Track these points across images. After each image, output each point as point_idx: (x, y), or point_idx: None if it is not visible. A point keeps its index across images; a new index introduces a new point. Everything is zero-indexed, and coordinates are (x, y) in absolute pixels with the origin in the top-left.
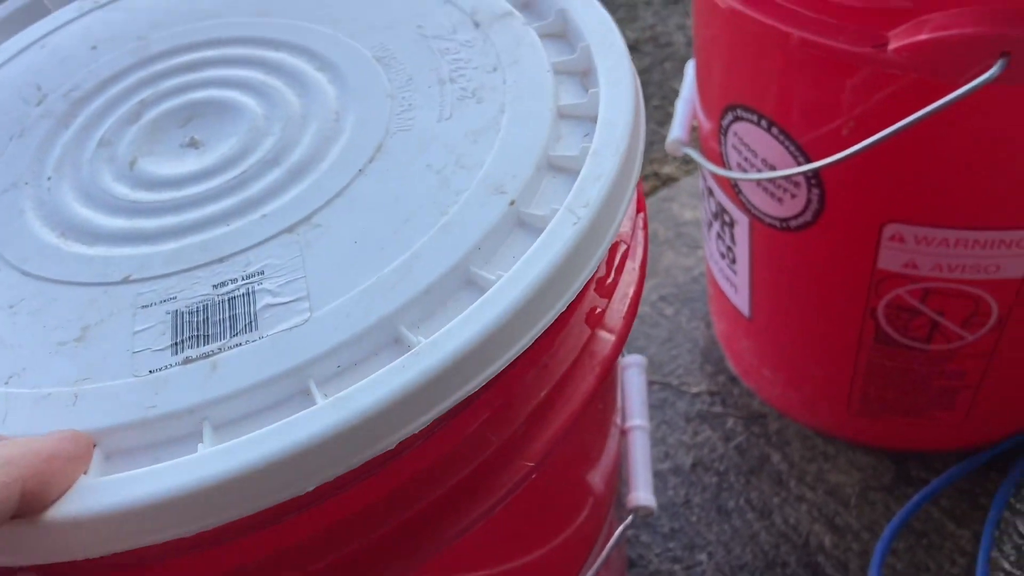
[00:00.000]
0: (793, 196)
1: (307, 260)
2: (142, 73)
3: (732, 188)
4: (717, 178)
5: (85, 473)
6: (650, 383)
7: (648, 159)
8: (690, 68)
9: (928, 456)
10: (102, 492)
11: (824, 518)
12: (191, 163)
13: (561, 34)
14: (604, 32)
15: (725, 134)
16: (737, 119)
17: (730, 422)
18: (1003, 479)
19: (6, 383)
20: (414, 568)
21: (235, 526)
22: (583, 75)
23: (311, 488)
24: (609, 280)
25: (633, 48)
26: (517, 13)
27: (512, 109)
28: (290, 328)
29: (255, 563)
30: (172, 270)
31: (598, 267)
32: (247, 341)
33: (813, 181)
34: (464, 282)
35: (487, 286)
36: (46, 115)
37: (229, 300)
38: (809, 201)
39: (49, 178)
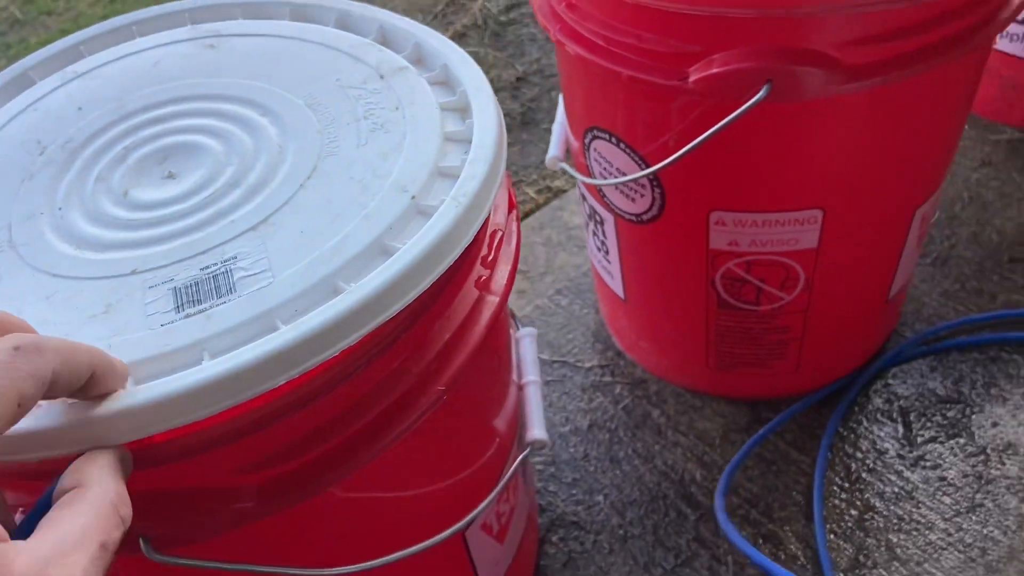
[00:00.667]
0: (642, 196)
1: (268, 247)
2: (123, 126)
3: (598, 193)
4: (587, 185)
5: (124, 388)
6: (551, 361)
7: (541, 175)
8: (561, 98)
9: (775, 401)
10: (138, 392)
11: (695, 457)
12: (171, 190)
13: (444, 82)
14: (476, 80)
15: (588, 150)
16: (595, 138)
17: (618, 389)
18: (832, 413)
19: None
20: (355, 471)
21: (224, 431)
22: (462, 111)
23: (281, 383)
24: (490, 257)
25: (523, 79)
26: (411, 67)
27: (411, 136)
28: (259, 288)
29: (244, 466)
30: (168, 262)
31: (480, 243)
32: (229, 300)
33: (655, 183)
34: (381, 252)
35: (396, 252)
36: (48, 162)
37: (213, 276)
38: (654, 199)
39: (60, 208)
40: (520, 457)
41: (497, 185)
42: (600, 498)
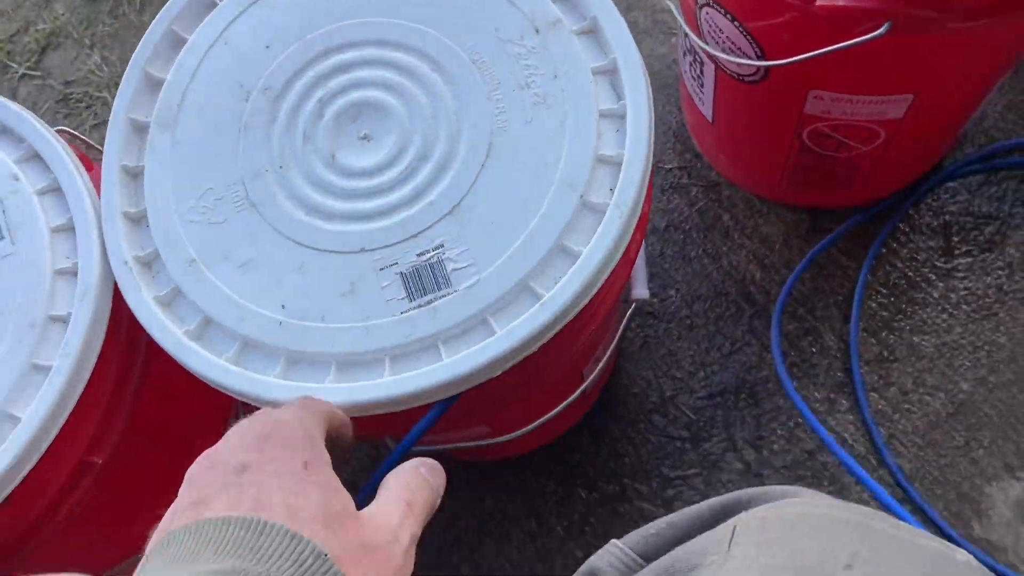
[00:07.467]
0: (749, 68)
1: (466, 237)
2: (310, 73)
3: (701, 38)
4: (692, 28)
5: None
6: None
7: None
8: None
9: (834, 211)
10: (392, 385)
11: (757, 260)
12: (369, 156)
13: (592, 30)
14: (626, 41)
15: (700, 11)
16: (707, 6)
17: (694, 191)
18: (884, 224)
19: (322, 320)
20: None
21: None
22: (611, 73)
23: (496, 375)
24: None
25: None
26: (564, 19)
27: (571, 116)
28: (470, 287)
29: None
30: (388, 243)
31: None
32: (449, 293)
33: (762, 65)
34: (561, 252)
35: (576, 255)
36: (256, 112)
37: (430, 265)
38: (759, 70)
39: (280, 167)
40: (627, 314)
41: (648, 177)
42: (672, 292)
